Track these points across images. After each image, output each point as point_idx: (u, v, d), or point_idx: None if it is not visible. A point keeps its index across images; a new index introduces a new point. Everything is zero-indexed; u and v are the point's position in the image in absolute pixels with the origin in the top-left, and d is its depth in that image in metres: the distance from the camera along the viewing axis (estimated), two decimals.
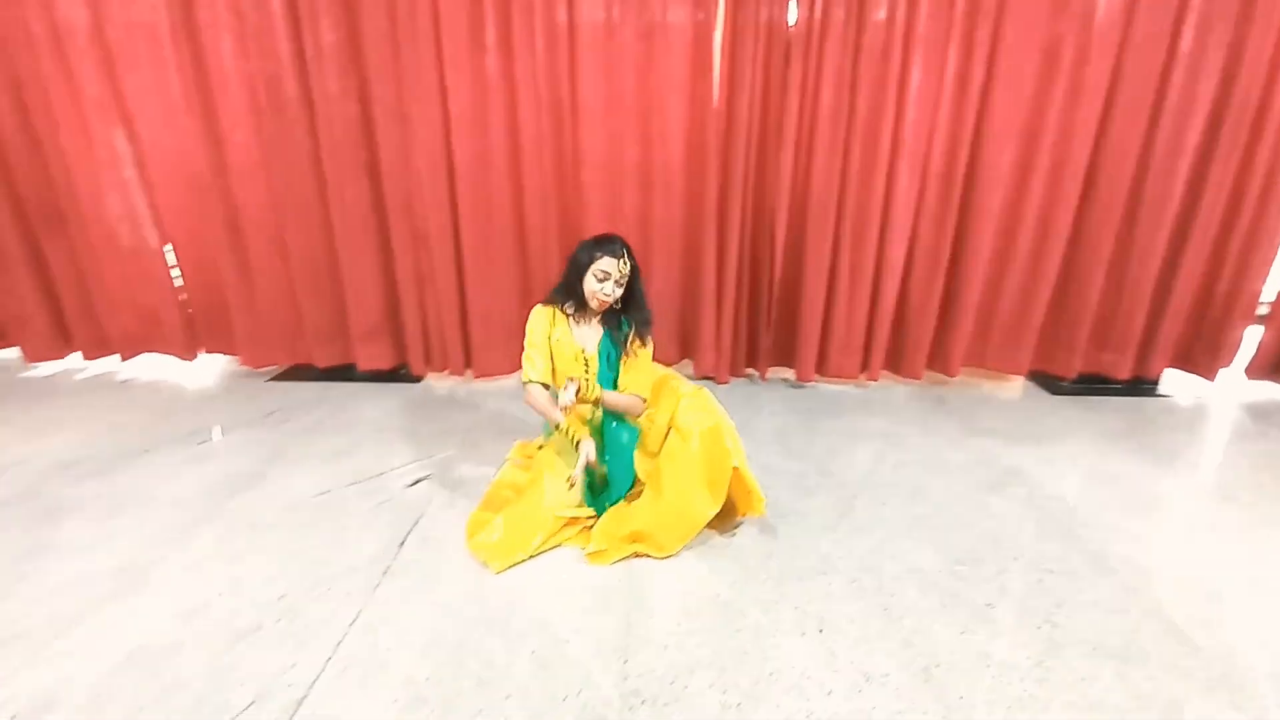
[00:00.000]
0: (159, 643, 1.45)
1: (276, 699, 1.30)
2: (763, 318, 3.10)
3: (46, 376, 3.17)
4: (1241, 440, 2.70)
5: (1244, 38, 2.59)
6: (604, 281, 1.82)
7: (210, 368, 3.32)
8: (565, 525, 1.83)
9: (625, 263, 1.84)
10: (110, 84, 2.81)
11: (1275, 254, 2.94)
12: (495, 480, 2.12)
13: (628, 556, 1.76)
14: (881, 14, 2.64)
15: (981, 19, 2.62)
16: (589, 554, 1.75)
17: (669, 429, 1.84)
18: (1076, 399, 3.08)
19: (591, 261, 1.82)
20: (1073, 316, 3.06)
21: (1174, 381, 3.25)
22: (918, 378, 3.18)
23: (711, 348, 3.11)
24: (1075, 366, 3.14)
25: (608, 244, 1.83)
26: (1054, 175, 2.84)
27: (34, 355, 3.23)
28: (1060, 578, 1.73)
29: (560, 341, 1.90)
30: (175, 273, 3.14)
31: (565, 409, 1.81)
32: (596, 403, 1.87)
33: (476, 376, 3.16)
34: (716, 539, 1.87)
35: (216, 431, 2.56)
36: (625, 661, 1.41)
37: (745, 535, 1.90)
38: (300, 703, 1.29)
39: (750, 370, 3.28)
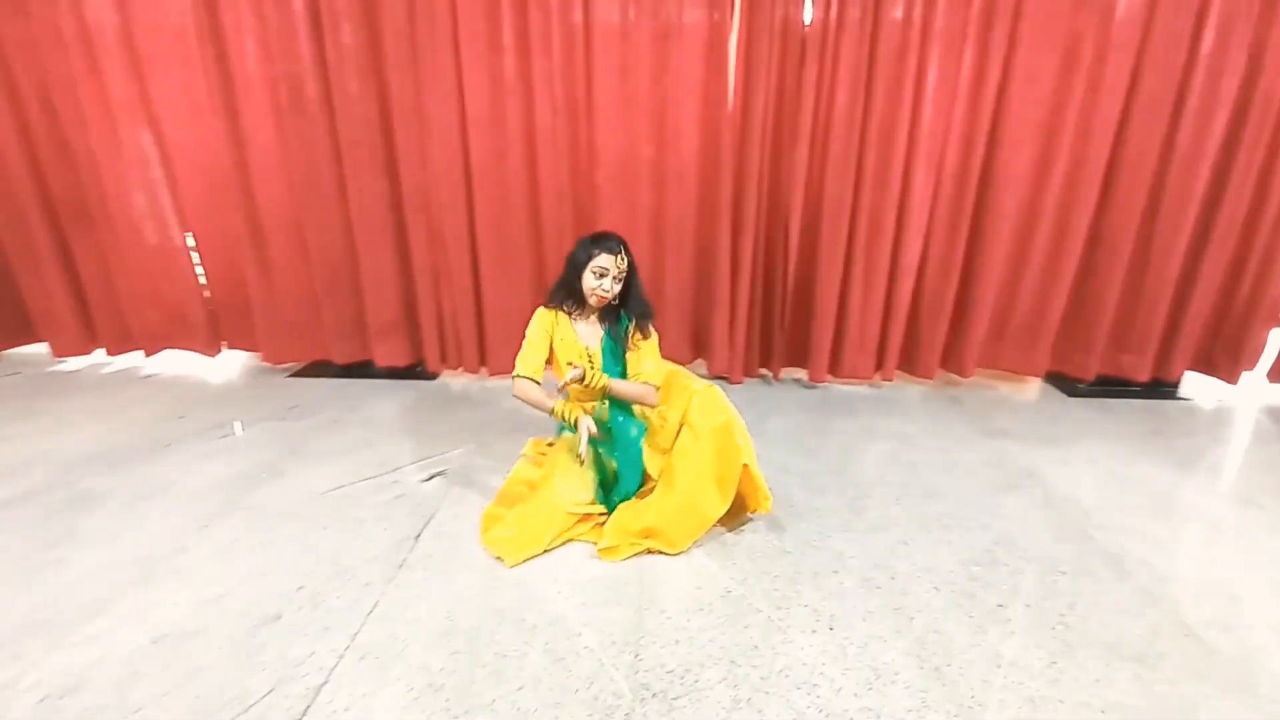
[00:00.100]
0: (182, 629, 1.48)
1: (296, 685, 1.33)
2: (777, 318, 3.11)
3: (73, 371, 3.25)
4: (1263, 444, 2.66)
5: (1265, 37, 2.56)
6: (602, 278, 1.85)
7: (231, 364, 3.38)
8: (578, 521, 1.85)
9: (623, 258, 1.86)
10: (137, 85, 2.87)
11: None
12: (509, 476, 2.14)
13: (639, 552, 1.78)
14: (898, 13, 2.63)
15: (998, 17, 2.60)
16: (601, 549, 1.77)
17: (681, 426, 1.85)
18: (1094, 401, 3.05)
19: (589, 259, 1.84)
20: (1091, 318, 3.03)
21: (1195, 385, 3.21)
22: (930, 378, 3.16)
23: (725, 347, 3.11)
24: (1093, 368, 3.11)
25: (605, 241, 1.86)
26: (1072, 175, 2.81)
27: (61, 350, 3.31)
28: (1075, 579, 1.72)
29: (564, 341, 1.93)
30: (199, 270, 3.21)
31: (564, 387, 1.82)
32: (604, 391, 1.87)
33: (491, 374, 3.20)
34: (728, 536, 1.88)
35: (238, 426, 2.61)
36: (636, 655, 1.43)
37: (757, 532, 1.90)
38: (319, 689, 1.32)
39: (764, 370, 3.28)
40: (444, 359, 3.22)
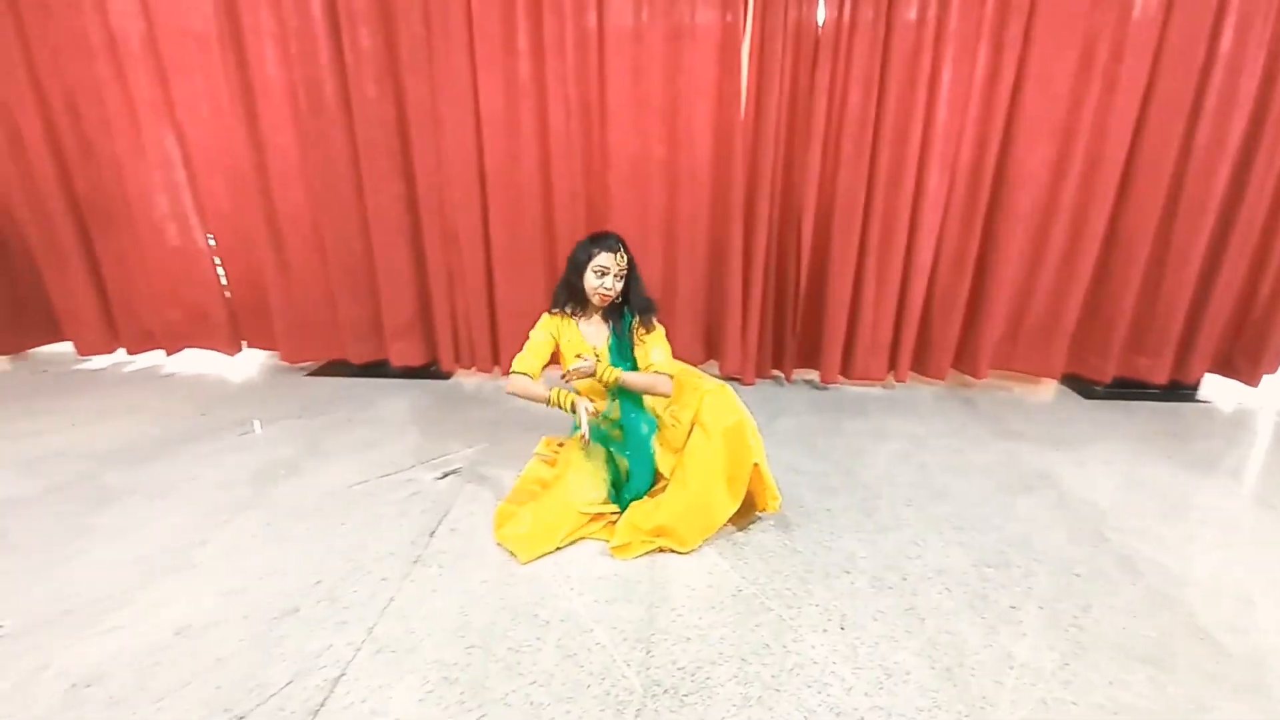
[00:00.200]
0: (203, 621, 1.52)
1: (314, 677, 1.35)
2: (789, 319, 3.11)
3: (96, 370, 3.32)
4: None
5: None
6: (604, 276, 1.87)
7: (250, 363, 3.44)
8: (590, 520, 1.87)
9: (622, 256, 1.89)
10: (161, 90, 2.94)
11: None
12: (522, 475, 2.16)
13: (651, 551, 1.79)
14: (911, 13, 2.63)
15: (1013, 16, 2.59)
16: (613, 547, 1.78)
17: (692, 425, 1.86)
18: (1111, 403, 3.02)
19: (589, 259, 1.87)
20: (1108, 319, 3.01)
21: (1214, 387, 3.17)
22: (942, 378, 3.15)
23: (737, 348, 3.12)
24: (1110, 371, 3.08)
25: (603, 239, 1.89)
26: (1089, 175, 2.79)
27: (85, 349, 3.38)
28: (1089, 581, 1.71)
29: (570, 343, 1.95)
30: (220, 270, 3.27)
31: (568, 375, 1.84)
32: (617, 384, 1.88)
33: (504, 374, 3.23)
34: (739, 535, 1.89)
35: (256, 424, 2.65)
36: (648, 652, 1.44)
37: (769, 532, 1.91)
38: (336, 681, 1.34)
39: (776, 371, 3.28)
40: (458, 359, 3.26)
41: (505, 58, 2.74)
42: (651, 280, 3.00)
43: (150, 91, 2.93)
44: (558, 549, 1.79)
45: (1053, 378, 3.19)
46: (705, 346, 3.28)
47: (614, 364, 1.93)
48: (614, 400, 1.96)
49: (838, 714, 1.29)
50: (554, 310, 1.99)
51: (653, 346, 1.93)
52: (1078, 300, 2.97)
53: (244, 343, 3.41)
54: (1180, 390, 3.12)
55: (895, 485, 2.21)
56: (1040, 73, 2.67)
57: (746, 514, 1.92)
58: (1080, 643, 1.49)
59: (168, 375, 3.25)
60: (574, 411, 1.86)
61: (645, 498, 1.92)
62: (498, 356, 3.22)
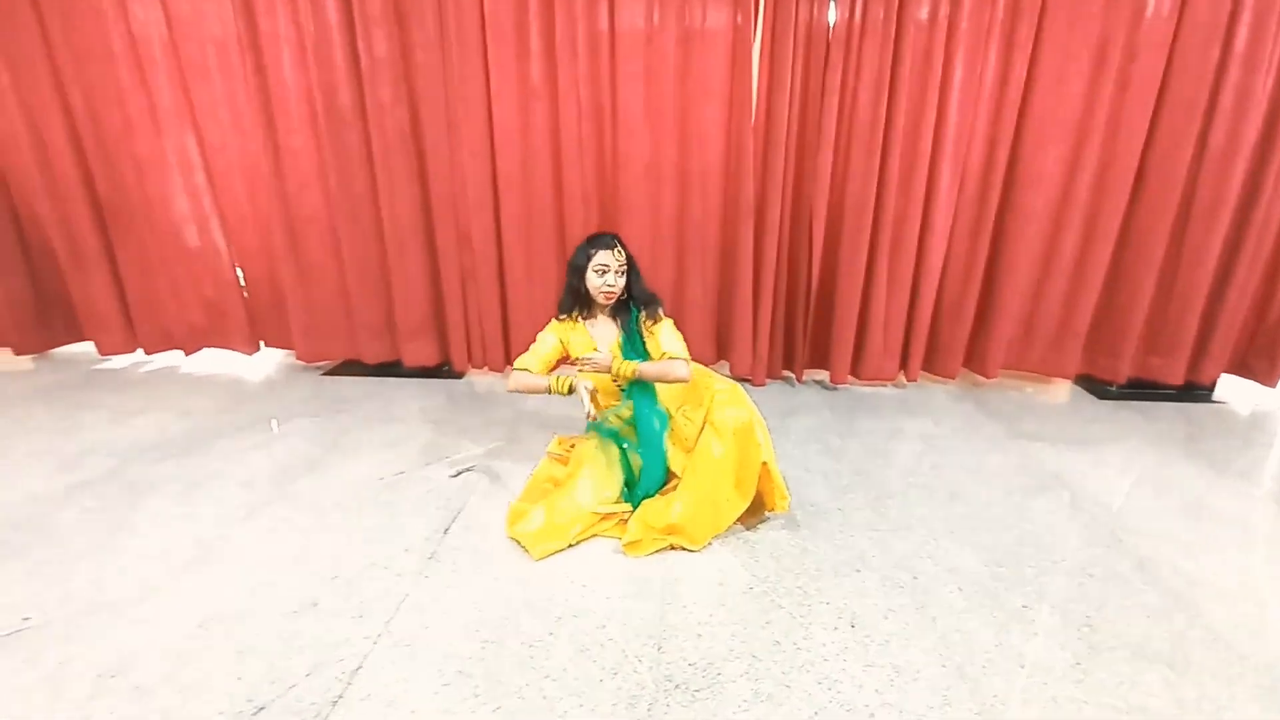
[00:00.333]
0: (228, 612, 1.55)
1: (333, 668, 1.38)
2: (800, 320, 3.11)
3: (118, 369, 3.38)
4: None
5: None
6: (605, 274, 1.91)
7: (267, 363, 3.49)
8: (602, 518, 1.88)
9: (620, 251, 1.92)
10: (181, 95, 2.99)
11: None
12: (534, 473, 2.19)
13: (663, 548, 1.81)
14: (923, 14, 2.63)
15: (1024, 17, 2.59)
16: (625, 544, 1.80)
17: (704, 424, 1.88)
18: (1125, 404, 3.00)
19: (589, 260, 1.91)
20: (1121, 319, 2.99)
21: (1231, 388, 3.14)
22: (953, 377, 3.15)
23: (748, 350, 3.13)
24: (1124, 371, 3.06)
25: (599, 239, 1.93)
26: (1101, 175, 2.78)
27: (107, 349, 3.44)
28: (1102, 582, 1.71)
29: (582, 346, 1.98)
30: (238, 271, 3.33)
31: (580, 362, 1.89)
32: (635, 375, 1.90)
33: None
34: (751, 533, 1.90)
35: (275, 422, 2.70)
36: (659, 648, 1.45)
37: (780, 531, 1.92)
38: (355, 673, 1.37)
39: (787, 372, 3.29)
40: (470, 359, 3.29)
41: (518, 62, 2.77)
42: (663, 282, 3.04)
43: (170, 96, 2.99)
44: (570, 546, 1.81)
45: (1066, 378, 3.17)
46: (716, 347, 3.29)
47: (626, 357, 1.95)
48: (627, 399, 1.98)
49: (848, 711, 1.30)
50: (561, 317, 2.01)
51: (663, 334, 1.95)
52: (1091, 300, 2.96)
53: (262, 342, 3.47)
54: (1196, 391, 3.09)
55: (908, 484, 2.21)
56: (1052, 72, 2.66)
57: (756, 513, 1.93)
58: (1093, 643, 1.49)
59: (187, 374, 3.31)
60: (573, 393, 1.89)
61: (656, 496, 1.93)
62: (510, 357, 3.25)
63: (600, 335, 1.99)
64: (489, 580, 1.69)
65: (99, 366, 3.41)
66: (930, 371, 3.20)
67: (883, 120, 2.75)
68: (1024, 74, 2.67)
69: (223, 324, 3.38)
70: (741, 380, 3.16)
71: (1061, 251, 2.91)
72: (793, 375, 3.27)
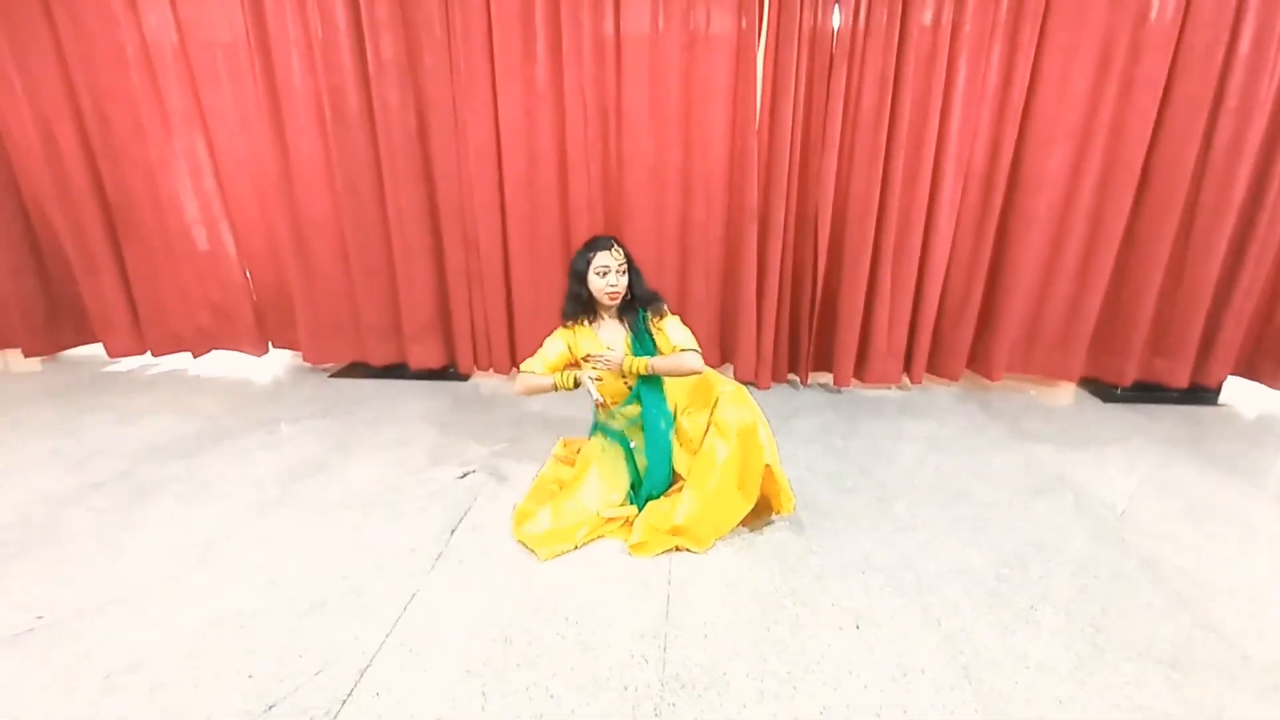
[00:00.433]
0: (236, 611, 1.57)
1: (341, 668, 1.40)
2: (804, 323, 3.12)
3: (126, 371, 3.41)
4: None
5: None
6: (606, 275, 1.91)
7: (274, 365, 3.52)
8: (609, 520, 1.90)
9: (618, 250, 1.93)
10: (191, 98, 3.02)
11: None
12: (540, 475, 2.20)
13: (669, 550, 1.82)
14: (926, 17, 2.64)
15: (1027, 18, 2.59)
16: (631, 546, 1.81)
17: (708, 426, 1.89)
18: (1130, 406, 3.00)
19: (589, 264, 1.91)
20: (1127, 322, 2.98)
21: (1237, 391, 3.13)
22: (956, 379, 3.15)
23: (752, 353, 3.13)
24: (1129, 373, 3.06)
25: (597, 242, 1.94)
26: (1105, 177, 2.78)
27: (116, 351, 3.47)
28: (1107, 583, 1.71)
29: (590, 350, 1.98)
30: (246, 274, 3.35)
31: (591, 359, 1.91)
32: (647, 371, 1.90)
33: None
34: (757, 535, 1.91)
35: (283, 423, 2.72)
36: (665, 649, 1.46)
37: (784, 532, 1.93)
38: (363, 672, 1.39)
39: (791, 375, 3.30)
40: (476, 361, 3.31)
41: (524, 66, 2.79)
42: (667, 284, 3.05)
43: (180, 100, 3.02)
44: (576, 548, 1.82)
45: (1071, 380, 3.17)
46: (720, 350, 3.30)
47: (636, 355, 1.96)
48: (635, 398, 1.99)
49: (853, 710, 1.30)
50: (567, 324, 2.02)
51: (671, 330, 1.96)
52: (1095, 303, 2.96)
53: (270, 344, 3.49)
54: (1202, 394, 3.09)
55: (913, 486, 2.22)
56: (1056, 75, 2.67)
57: (761, 515, 1.94)
58: (1097, 643, 1.49)
59: (195, 376, 3.34)
60: (579, 386, 1.90)
61: (662, 498, 1.95)
62: (515, 359, 3.26)
63: (609, 338, 2.00)
64: (496, 580, 1.70)
65: (107, 369, 3.44)
66: (934, 374, 3.20)
67: (886, 123, 2.76)
68: (1027, 76, 2.67)
69: (231, 326, 3.40)
70: (746, 383, 3.17)
71: (1065, 253, 2.91)
72: (797, 378, 3.27)
